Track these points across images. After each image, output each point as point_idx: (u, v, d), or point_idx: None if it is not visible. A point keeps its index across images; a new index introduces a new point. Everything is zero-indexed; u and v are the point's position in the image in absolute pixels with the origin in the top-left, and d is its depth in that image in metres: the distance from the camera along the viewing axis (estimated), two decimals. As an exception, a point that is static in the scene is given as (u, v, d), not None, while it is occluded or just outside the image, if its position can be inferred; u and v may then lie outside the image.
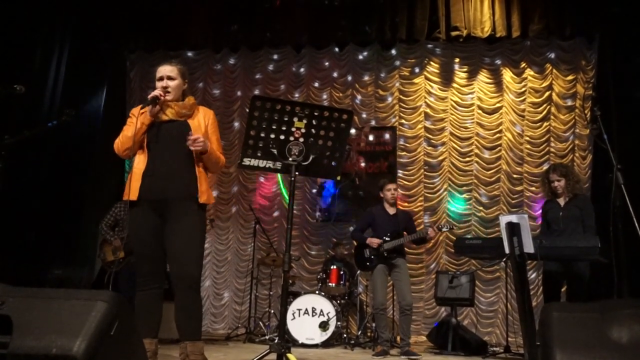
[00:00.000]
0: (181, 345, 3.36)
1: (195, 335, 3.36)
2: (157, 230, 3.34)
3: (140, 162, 3.36)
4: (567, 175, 5.33)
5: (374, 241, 6.01)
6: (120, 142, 3.42)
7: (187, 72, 3.59)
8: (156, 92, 3.36)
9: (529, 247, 4.50)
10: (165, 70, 3.45)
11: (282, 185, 9.08)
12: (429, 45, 8.98)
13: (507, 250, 4.57)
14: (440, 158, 8.76)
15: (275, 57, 9.48)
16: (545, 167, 8.25)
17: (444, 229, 6.29)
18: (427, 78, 8.96)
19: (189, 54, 9.63)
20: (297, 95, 9.29)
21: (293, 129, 3.03)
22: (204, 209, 3.44)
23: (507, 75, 8.69)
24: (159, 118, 3.40)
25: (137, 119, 3.32)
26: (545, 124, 8.46)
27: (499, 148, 8.57)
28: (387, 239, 5.99)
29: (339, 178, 8.64)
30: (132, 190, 3.31)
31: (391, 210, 6.18)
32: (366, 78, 9.20)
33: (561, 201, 5.33)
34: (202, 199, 3.38)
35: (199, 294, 3.44)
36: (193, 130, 3.38)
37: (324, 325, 6.60)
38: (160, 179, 3.31)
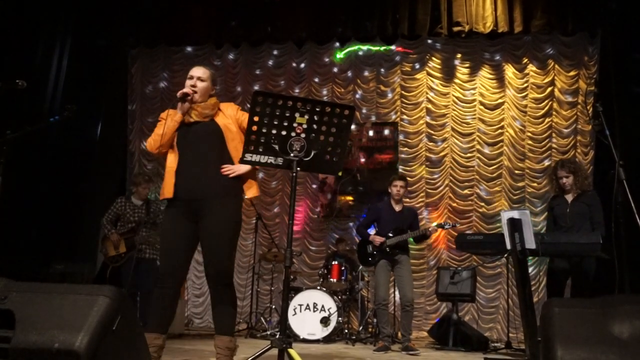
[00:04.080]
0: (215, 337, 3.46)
1: (222, 330, 3.41)
2: (188, 230, 3.41)
3: (172, 161, 3.47)
4: (575, 172, 5.26)
5: (376, 239, 6.02)
6: (153, 141, 3.50)
7: (217, 78, 3.75)
8: (186, 90, 3.48)
9: (530, 243, 4.49)
10: (197, 71, 3.57)
11: None
12: (430, 41, 8.96)
13: (508, 246, 4.57)
14: (442, 154, 8.75)
15: (276, 52, 9.47)
16: (547, 163, 8.25)
17: (446, 227, 6.28)
18: (428, 74, 8.94)
19: (190, 49, 9.62)
20: (297, 90, 9.29)
21: (295, 125, 3.02)
22: (239, 203, 3.52)
23: (509, 70, 8.67)
24: (185, 120, 3.50)
25: (167, 117, 3.44)
26: (547, 119, 8.44)
27: (501, 144, 8.56)
28: (390, 235, 6.00)
29: (340, 174, 8.65)
30: (168, 188, 3.42)
31: (397, 207, 6.18)
32: (367, 74, 9.19)
33: (569, 197, 5.28)
34: (249, 194, 3.52)
35: (233, 289, 3.50)
36: (222, 129, 3.49)
37: (325, 321, 6.61)
38: (192, 178, 3.40)
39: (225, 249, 3.40)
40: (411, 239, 6.16)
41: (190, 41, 9.42)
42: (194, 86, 3.50)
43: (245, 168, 3.44)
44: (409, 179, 8.68)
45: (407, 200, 8.56)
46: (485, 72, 8.76)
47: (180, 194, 3.39)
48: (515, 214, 4.57)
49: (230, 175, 3.41)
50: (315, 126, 3.04)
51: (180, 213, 3.40)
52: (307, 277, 8.59)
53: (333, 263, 7.23)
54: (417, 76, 9.00)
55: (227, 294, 3.44)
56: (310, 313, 6.71)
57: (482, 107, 8.71)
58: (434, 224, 6.23)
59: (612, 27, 7.76)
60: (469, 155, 8.66)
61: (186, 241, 3.42)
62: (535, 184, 8.35)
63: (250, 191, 3.54)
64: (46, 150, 7.74)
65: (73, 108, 4.44)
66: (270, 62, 9.49)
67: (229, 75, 9.54)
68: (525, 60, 8.63)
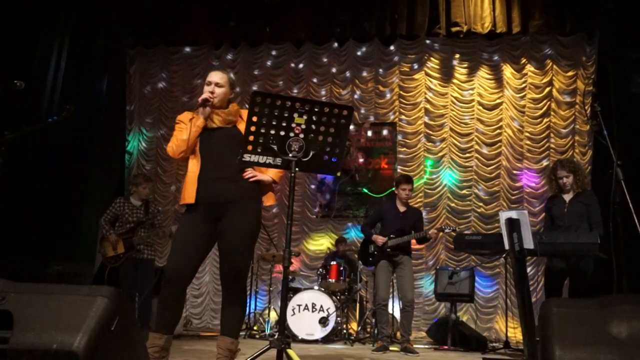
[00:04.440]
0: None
1: (226, 331, 3.43)
2: (205, 232, 3.38)
3: (193, 166, 3.45)
4: (575, 172, 5.24)
5: (379, 239, 6.02)
6: (176, 146, 3.47)
7: (235, 83, 3.69)
8: (205, 95, 3.46)
9: (528, 243, 4.49)
10: (215, 76, 3.54)
11: None
12: (428, 41, 8.97)
13: (507, 246, 4.57)
14: (440, 154, 8.76)
15: (275, 52, 9.47)
16: (545, 163, 8.26)
17: (446, 230, 6.24)
18: (427, 74, 8.95)
19: (189, 49, 9.62)
20: (296, 91, 9.29)
21: (293, 125, 3.02)
22: (259, 208, 3.52)
23: (507, 71, 8.68)
24: (208, 125, 3.48)
25: (190, 123, 3.42)
26: (545, 119, 8.45)
27: (499, 144, 8.57)
28: (392, 236, 6.00)
29: (339, 174, 8.66)
30: (189, 193, 3.39)
31: (401, 208, 6.15)
32: (365, 74, 9.19)
33: (567, 197, 5.27)
34: (267, 203, 3.55)
35: (245, 293, 3.51)
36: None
37: (323, 321, 6.61)
38: (215, 183, 3.38)
39: (241, 251, 3.40)
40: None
41: (189, 41, 9.42)
42: (212, 92, 3.48)
43: (267, 177, 3.47)
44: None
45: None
46: (483, 73, 8.77)
47: (202, 198, 3.36)
48: (513, 214, 4.58)
49: (252, 179, 3.41)
50: (313, 126, 3.04)
51: (200, 216, 3.38)
52: (306, 277, 8.59)
53: (332, 263, 7.23)
54: (416, 76, 9.00)
55: (238, 296, 3.44)
56: (309, 313, 6.72)
57: (480, 107, 8.72)
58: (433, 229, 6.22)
59: (610, 27, 7.77)
60: (467, 155, 8.67)
61: (201, 243, 3.39)
62: (533, 184, 8.35)
63: (269, 202, 3.57)
64: (44, 150, 7.73)
65: (71, 108, 4.44)
66: (269, 63, 9.49)
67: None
68: (524, 60, 8.64)
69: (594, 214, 5.09)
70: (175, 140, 3.49)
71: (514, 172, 8.48)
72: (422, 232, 6.00)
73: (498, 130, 8.60)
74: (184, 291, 3.44)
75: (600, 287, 4.78)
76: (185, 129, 3.45)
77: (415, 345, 6.09)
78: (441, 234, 6.87)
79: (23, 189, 7.14)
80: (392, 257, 5.98)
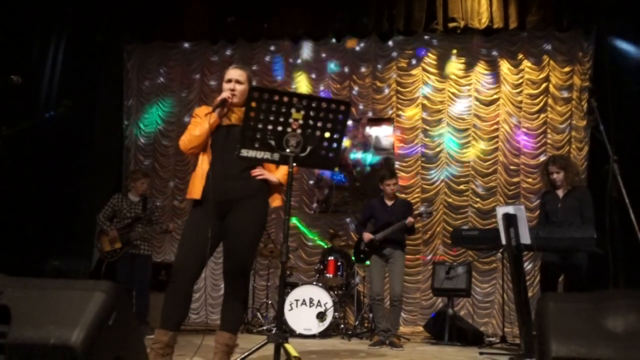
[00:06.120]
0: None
1: (225, 327, 3.45)
2: (212, 229, 3.35)
3: (203, 162, 3.44)
4: (566, 168, 5.27)
5: (365, 236, 6.08)
6: (188, 140, 3.47)
7: (252, 78, 3.68)
8: (225, 95, 3.46)
9: (525, 238, 4.51)
10: (235, 74, 3.56)
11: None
12: (426, 37, 8.96)
13: (503, 242, 4.58)
14: (437, 149, 8.76)
15: (272, 48, 9.45)
16: (542, 158, 8.27)
17: (423, 215, 6.37)
18: (424, 69, 8.94)
19: (186, 45, 9.60)
20: (294, 86, 9.27)
21: (291, 120, 3.02)
22: (266, 207, 3.53)
23: (504, 66, 8.67)
24: (223, 123, 3.47)
25: (207, 119, 3.40)
26: (542, 115, 8.46)
27: (496, 139, 8.58)
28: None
29: (336, 169, 8.67)
30: (196, 189, 3.39)
31: (389, 202, 6.21)
32: (363, 70, 9.18)
33: (560, 192, 5.29)
34: (274, 204, 3.55)
35: (247, 290, 3.55)
36: None
37: (321, 316, 6.63)
38: (225, 180, 3.37)
39: (245, 248, 3.41)
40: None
41: (187, 37, 9.39)
42: (232, 90, 3.48)
43: (274, 178, 3.48)
44: (404, 174, 8.72)
45: (403, 195, 8.57)
46: (480, 68, 8.77)
47: (211, 195, 3.34)
48: (510, 210, 4.59)
49: (258, 178, 3.42)
50: (311, 122, 3.04)
51: (208, 212, 3.36)
52: (303, 272, 8.60)
53: (329, 258, 7.24)
54: (413, 72, 8.99)
55: (239, 292, 3.46)
56: (307, 308, 6.73)
57: (477, 102, 8.72)
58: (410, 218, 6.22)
59: (607, 23, 7.77)
60: (464, 150, 8.67)
61: (207, 240, 3.34)
62: (530, 180, 8.37)
63: (275, 203, 3.58)
64: (42, 146, 7.71)
65: (69, 104, 4.44)
66: (267, 58, 9.48)
67: (225, 71, 9.49)
68: (521, 56, 8.63)
69: (586, 210, 5.11)
70: (188, 135, 3.48)
71: (511, 167, 8.49)
72: (402, 222, 6.00)
73: (495, 126, 8.61)
74: (190, 288, 3.42)
75: (596, 282, 4.80)
76: (200, 124, 3.43)
77: (412, 340, 6.11)
78: (418, 218, 6.81)
79: (20, 184, 7.13)
80: (381, 250, 6.02)
